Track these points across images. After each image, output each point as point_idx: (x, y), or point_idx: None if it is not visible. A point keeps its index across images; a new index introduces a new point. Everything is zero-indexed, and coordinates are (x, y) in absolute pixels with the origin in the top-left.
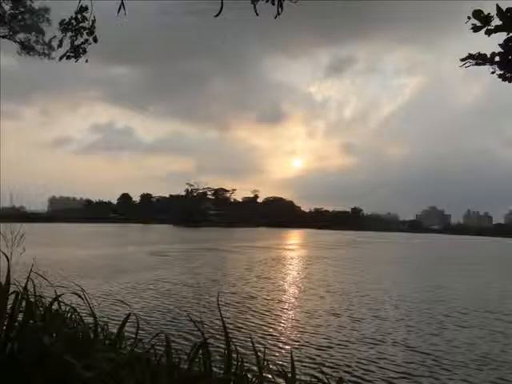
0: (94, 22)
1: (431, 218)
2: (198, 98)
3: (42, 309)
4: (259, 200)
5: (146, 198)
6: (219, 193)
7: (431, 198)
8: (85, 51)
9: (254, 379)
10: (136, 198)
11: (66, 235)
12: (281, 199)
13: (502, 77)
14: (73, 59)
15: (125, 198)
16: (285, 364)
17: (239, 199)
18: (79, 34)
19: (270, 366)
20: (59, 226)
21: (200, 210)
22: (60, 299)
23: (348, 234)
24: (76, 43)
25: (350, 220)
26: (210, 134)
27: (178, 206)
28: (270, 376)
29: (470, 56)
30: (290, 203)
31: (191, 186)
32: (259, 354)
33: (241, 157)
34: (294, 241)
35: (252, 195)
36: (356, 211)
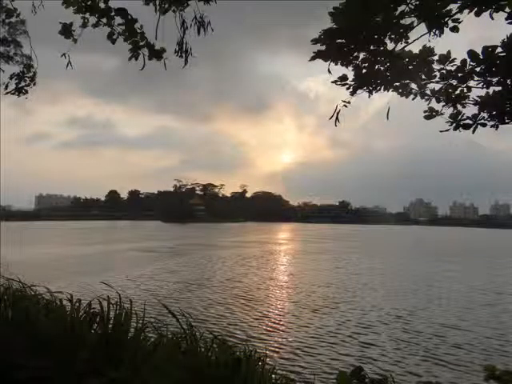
0: (35, 74)
1: (418, 210)
2: (184, 91)
3: None
4: (248, 195)
5: (134, 194)
6: (208, 188)
7: (418, 190)
8: (27, 92)
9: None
10: (124, 195)
11: (51, 233)
12: (269, 193)
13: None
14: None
15: (113, 194)
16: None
17: (228, 194)
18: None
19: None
20: (46, 224)
21: (188, 206)
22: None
23: (335, 228)
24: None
25: (338, 213)
26: (197, 128)
27: (167, 202)
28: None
29: None
30: (279, 197)
31: (179, 181)
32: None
33: (229, 151)
34: (282, 235)
35: (240, 190)
36: (344, 205)
